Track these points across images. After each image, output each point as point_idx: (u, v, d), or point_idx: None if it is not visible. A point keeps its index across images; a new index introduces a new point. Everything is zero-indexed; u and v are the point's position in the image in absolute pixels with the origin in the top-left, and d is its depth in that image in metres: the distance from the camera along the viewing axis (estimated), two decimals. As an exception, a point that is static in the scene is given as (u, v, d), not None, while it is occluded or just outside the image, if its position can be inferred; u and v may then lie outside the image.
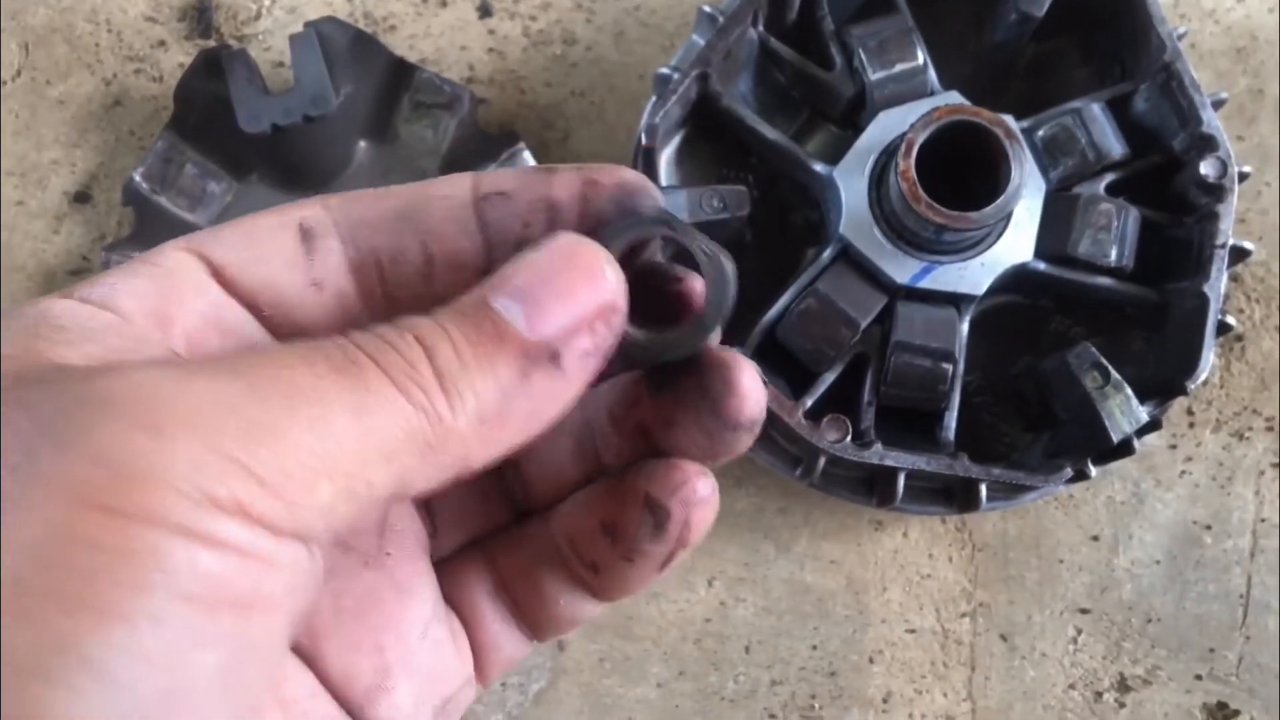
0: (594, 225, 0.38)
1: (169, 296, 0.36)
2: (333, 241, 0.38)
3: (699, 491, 0.39)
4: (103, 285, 0.35)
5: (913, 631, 0.79)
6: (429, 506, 0.44)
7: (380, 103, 0.82)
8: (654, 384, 0.41)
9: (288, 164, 0.81)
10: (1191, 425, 0.81)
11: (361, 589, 0.40)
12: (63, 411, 0.29)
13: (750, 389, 0.38)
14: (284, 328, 0.39)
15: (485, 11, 0.86)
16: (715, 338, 0.40)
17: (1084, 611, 0.79)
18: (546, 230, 0.38)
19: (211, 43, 0.85)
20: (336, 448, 0.31)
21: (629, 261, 0.37)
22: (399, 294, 0.40)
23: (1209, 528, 0.80)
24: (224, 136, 0.80)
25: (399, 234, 0.39)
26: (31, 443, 0.29)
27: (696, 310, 0.39)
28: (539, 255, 0.35)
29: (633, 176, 0.38)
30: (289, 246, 0.38)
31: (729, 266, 0.38)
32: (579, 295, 0.35)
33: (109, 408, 0.29)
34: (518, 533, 0.44)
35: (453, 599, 0.43)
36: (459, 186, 0.39)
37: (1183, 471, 0.80)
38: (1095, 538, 0.80)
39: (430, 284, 0.39)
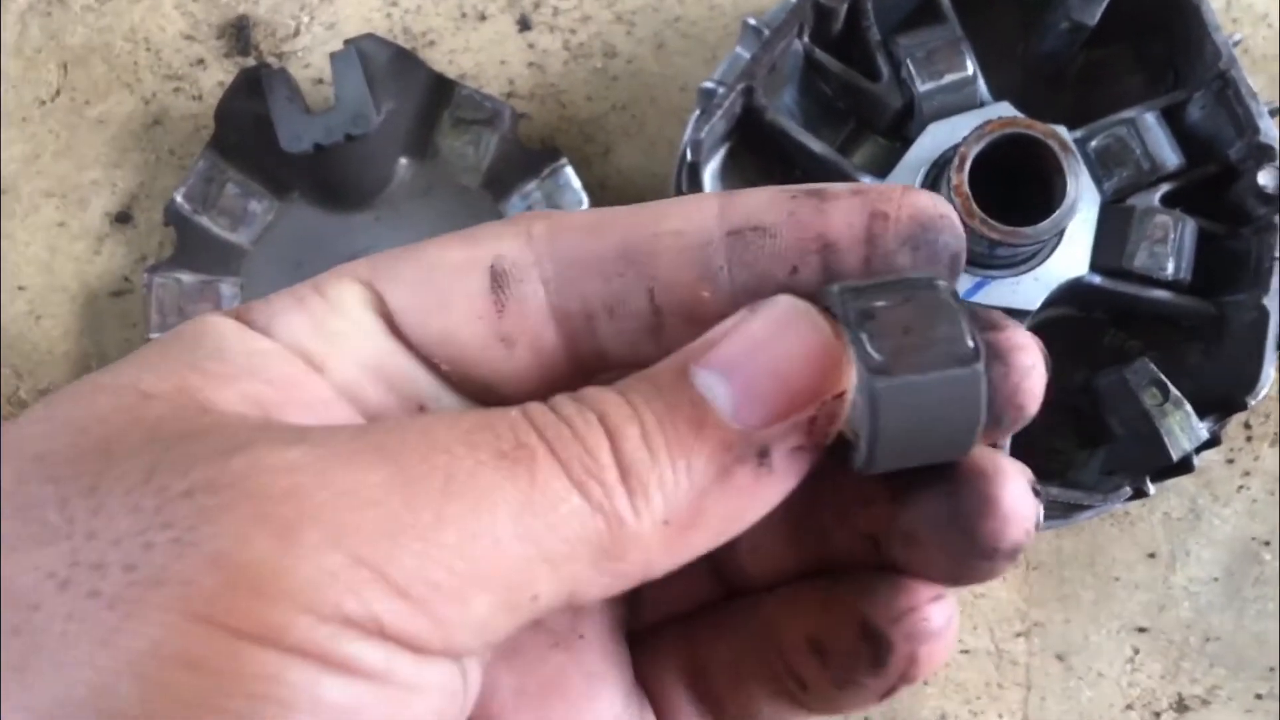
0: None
1: (326, 339, 0.31)
2: (532, 286, 0.32)
3: (932, 622, 0.31)
4: (267, 309, 0.31)
5: (967, 652, 0.77)
6: None
7: (421, 120, 0.81)
8: (896, 486, 0.32)
9: (329, 182, 0.81)
10: (1249, 439, 0.80)
11: (548, 672, 0.35)
12: (189, 496, 0.25)
13: (1014, 509, 0.30)
14: (466, 385, 0.33)
15: (525, 25, 0.85)
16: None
17: (1141, 630, 0.78)
18: (820, 278, 0.31)
19: (251, 60, 0.85)
20: (496, 553, 0.27)
21: None
22: (618, 351, 0.33)
23: (1268, 544, 0.78)
24: (265, 155, 0.79)
25: (619, 279, 0.32)
26: (151, 534, 0.25)
27: None
28: (755, 322, 0.29)
29: (928, 204, 0.31)
30: (475, 293, 0.32)
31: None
32: (798, 379, 0.29)
33: (236, 497, 0.25)
34: (724, 616, 0.37)
35: (646, 683, 0.37)
36: (699, 218, 0.32)
37: (1240, 486, 0.79)
38: (1152, 555, 0.78)
39: (658, 341, 0.32)
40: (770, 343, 0.29)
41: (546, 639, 0.35)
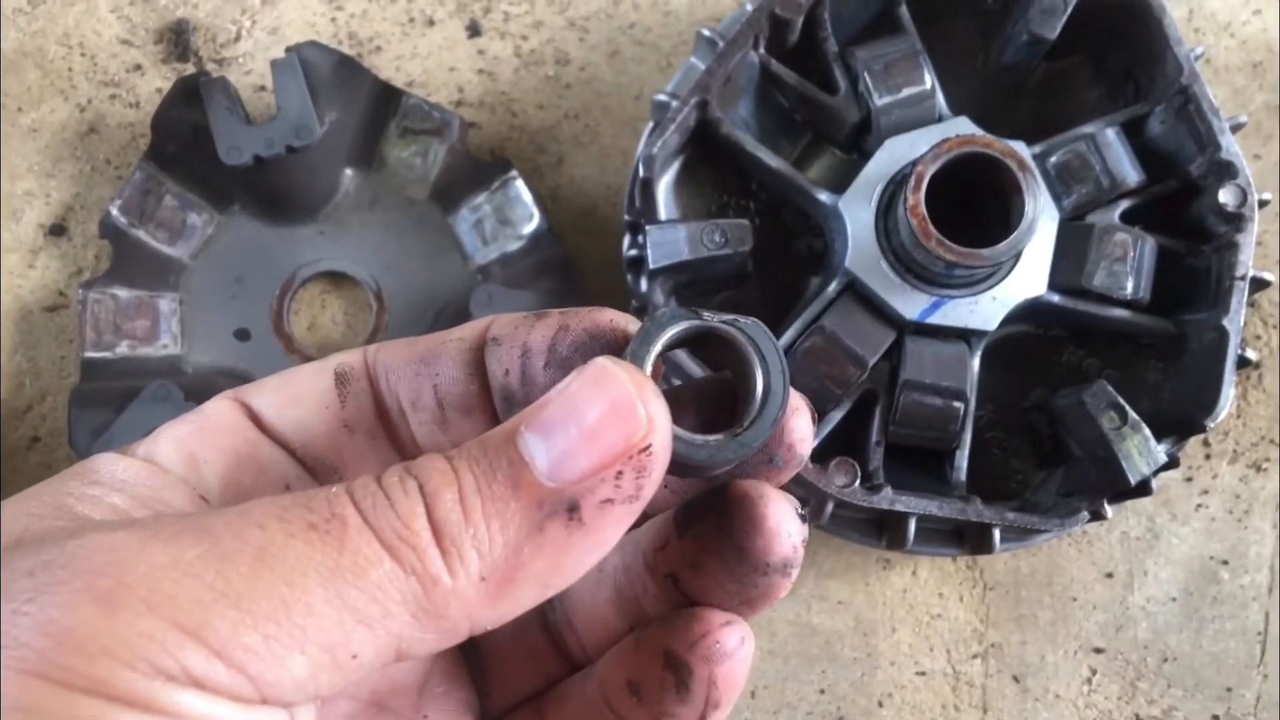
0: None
1: (203, 439, 0.37)
2: (363, 384, 0.38)
3: (724, 644, 0.35)
4: (152, 439, 0.37)
5: (923, 674, 0.76)
6: (481, 667, 0.42)
7: (367, 130, 0.79)
8: (680, 522, 0.37)
9: (271, 194, 0.78)
10: (1208, 457, 0.79)
11: None
12: (30, 574, 0.29)
13: (778, 525, 0.34)
14: (318, 467, 0.39)
15: (474, 31, 0.83)
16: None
17: (1098, 651, 0.77)
18: (520, 377, 0.36)
19: (190, 67, 0.82)
20: (309, 618, 0.29)
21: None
22: (424, 442, 0.39)
23: (1226, 563, 0.78)
24: (204, 166, 0.77)
25: (417, 377, 0.38)
26: None
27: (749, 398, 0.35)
28: (574, 383, 0.32)
29: (604, 319, 0.36)
30: (324, 390, 0.38)
31: (769, 344, 0.34)
32: (604, 435, 0.31)
33: (67, 573, 0.28)
34: (568, 687, 0.41)
35: None
36: (475, 329, 0.38)
37: (1199, 505, 0.78)
38: (1109, 575, 0.78)
39: (445, 430, 0.38)
40: (583, 403, 0.31)
41: None
